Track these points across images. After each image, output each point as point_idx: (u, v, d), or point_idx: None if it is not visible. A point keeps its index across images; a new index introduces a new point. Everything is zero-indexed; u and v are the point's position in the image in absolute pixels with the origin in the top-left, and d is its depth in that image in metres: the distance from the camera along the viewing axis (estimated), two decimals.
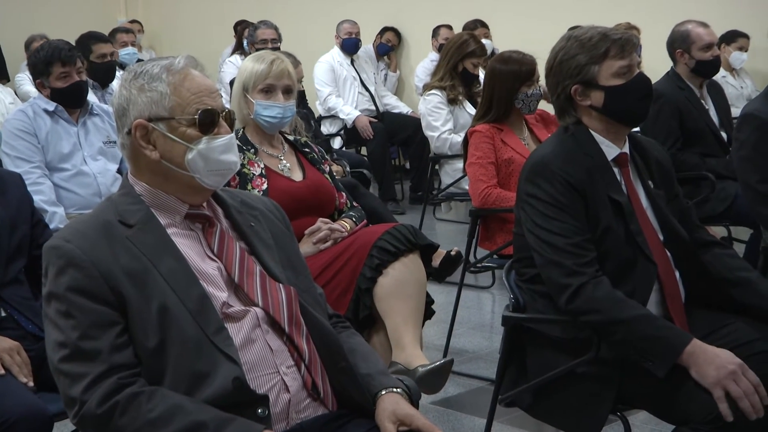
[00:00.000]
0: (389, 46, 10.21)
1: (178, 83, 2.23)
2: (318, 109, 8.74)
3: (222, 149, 2.25)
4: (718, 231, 6.10)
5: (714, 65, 5.43)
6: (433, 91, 6.33)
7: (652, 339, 2.61)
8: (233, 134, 2.30)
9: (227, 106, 2.37)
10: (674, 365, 2.57)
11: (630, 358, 2.65)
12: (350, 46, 8.87)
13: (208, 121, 2.23)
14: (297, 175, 3.79)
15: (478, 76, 6.25)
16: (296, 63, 4.92)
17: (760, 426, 2.50)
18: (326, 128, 8.53)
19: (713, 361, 2.53)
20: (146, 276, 2.13)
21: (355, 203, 3.95)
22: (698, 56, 5.34)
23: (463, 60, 6.19)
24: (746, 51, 8.27)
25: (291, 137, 3.97)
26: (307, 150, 3.93)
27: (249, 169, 3.68)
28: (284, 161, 3.80)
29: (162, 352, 2.09)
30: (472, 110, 5.98)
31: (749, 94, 8.02)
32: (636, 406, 2.82)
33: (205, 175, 2.24)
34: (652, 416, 2.80)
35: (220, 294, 2.19)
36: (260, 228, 2.37)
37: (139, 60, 7.57)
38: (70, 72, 4.53)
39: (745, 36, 8.24)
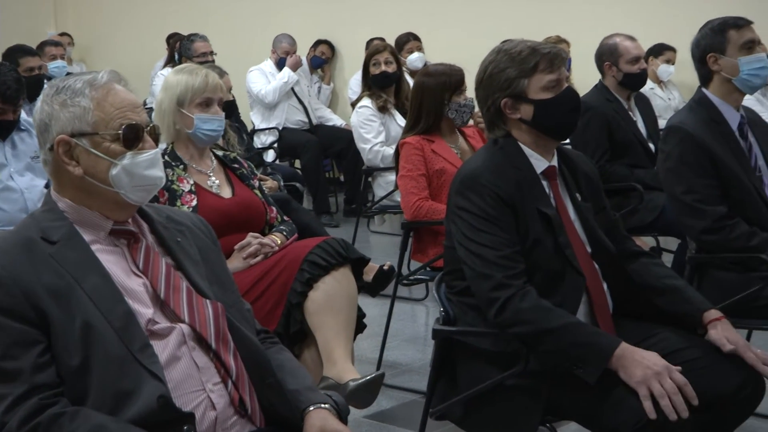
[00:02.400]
0: (323, 58, 10.21)
1: (102, 98, 2.21)
2: (253, 120, 8.72)
3: (147, 164, 2.22)
4: (646, 241, 6.19)
5: (641, 78, 5.51)
6: (364, 104, 6.35)
7: (581, 345, 2.62)
8: (158, 149, 2.28)
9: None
10: (603, 375, 2.58)
11: (560, 368, 2.66)
12: (284, 65, 8.85)
13: (133, 136, 2.20)
14: (226, 192, 3.77)
15: (385, 73, 6.32)
16: (222, 73, 4.89)
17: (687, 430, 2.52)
18: (259, 141, 8.50)
19: (641, 362, 2.55)
20: (69, 293, 2.09)
21: (286, 217, 3.93)
22: (626, 69, 5.41)
23: (368, 63, 6.29)
24: (673, 64, 8.41)
25: (220, 153, 3.94)
26: (236, 166, 3.91)
27: (178, 186, 3.64)
28: (213, 178, 3.77)
29: (85, 370, 2.05)
30: (403, 122, 6.00)
31: (677, 105, 8.14)
32: (565, 418, 2.83)
33: (130, 191, 2.21)
34: (582, 427, 2.81)
35: (145, 311, 2.16)
36: (187, 243, 2.34)
37: (68, 73, 7.47)
38: (7, 110, 4.45)
39: (672, 49, 8.38)
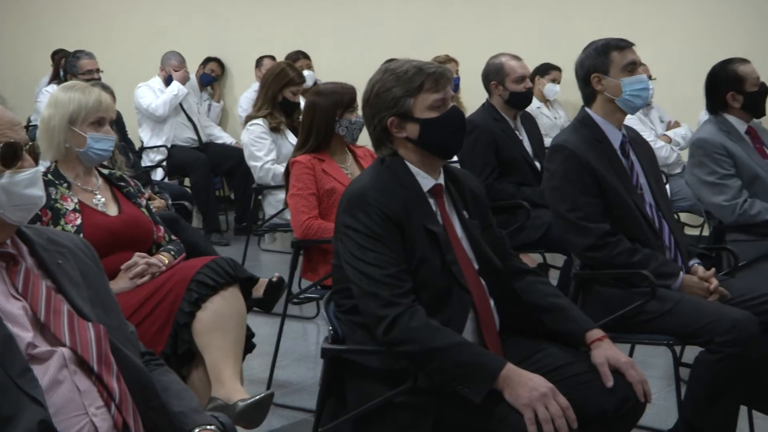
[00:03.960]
0: (212, 76, 10.14)
1: None
2: (141, 137, 8.61)
3: (26, 183, 2.17)
4: (534, 258, 6.30)
5: (527, 97, 5.60)
6: (255, 121, 6.28)
7: (467, 365, 2.64)
8: (38, 168, 2.23)
9: None
10: (489, 392, 2.61)
11: (447, 387, 2.67)
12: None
13: (11, 155, 2.15)
14: (112, 210, 3.70)
15: (298, 103, 6.25)
16: (108, 91, 4.80)
17: None
18: (148, 159, 8.39)
19: (526, 384, 2.59)
20: None
21: (174, 237, 3.88)
22: (512, 88, 5.50)
23: (282, 89, 6.19)
24: (559, 83, 8.57)
25: (105, 171, 3.88)
26: (122, 184, 3.85)
27: (62, 204, 3.57)
28: (99, 196, 3.71)
29: None
30: (295, 140, 5.98)
31: (563, 124, 8.30)
32: None
33: (9, 210, 2.15)
34: None
35: (24, 334, 2.11)
36: (68, 265, 2.29)
37: None
38: None
39: (558, 69, 8.55)
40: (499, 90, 5.53)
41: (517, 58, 5.60)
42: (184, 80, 8.71)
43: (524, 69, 5.59)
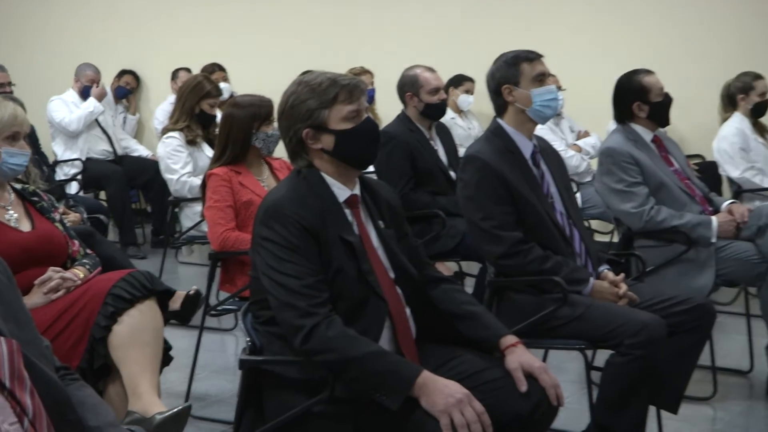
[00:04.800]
0: (127, 89, 10.02)
1: None
2: (55, 151, 8.47)
3: None
4: (449, 266, 6.34)
5: (441, 108, 5.65)
6: (171, 134, 6.22)
7: (384, 374, 2.66)
8: None
9: None
10: (406, 400, 2.62)
11: (364, 395, 2.68)
12: (88, 94, 8.61)
13: None
14: (25, 226, 3.65)
15: (215, 116, 6.21)
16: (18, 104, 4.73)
17: None
18: (62, 173, 8.26)
19: (442, 391, 2.61)
20: None
21: (89, 251, 3.83)
22: (426, 99, 5.54)
23: (199, 102, 6.15)
24: (472, 94, 8.64)
25: (18, 186, 3.82)
26: (35, 199, 3.79)
27: None
28: (11, 211, 3.65)
29: None
30: (212, 153, 5.94)
31: (477, 134, 8.35)
32: None
33: None
34: None
35: None
36: None
37: None
38: None
39: (471, 80, 8.62)
40: (414, 101, 5.57)
41: (431, 70, 5.65)
42: (101, 97, 8.58)
43: (438, 81, 5.63)
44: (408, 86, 5.59)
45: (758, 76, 6.63)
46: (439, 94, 5.59)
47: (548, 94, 3.85)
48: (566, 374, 4.82)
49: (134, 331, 3.40)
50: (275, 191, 2.98)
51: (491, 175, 3.74)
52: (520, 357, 2.84)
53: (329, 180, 2.93)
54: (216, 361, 5.45)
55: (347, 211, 2.93)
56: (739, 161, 6.52)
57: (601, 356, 3.86)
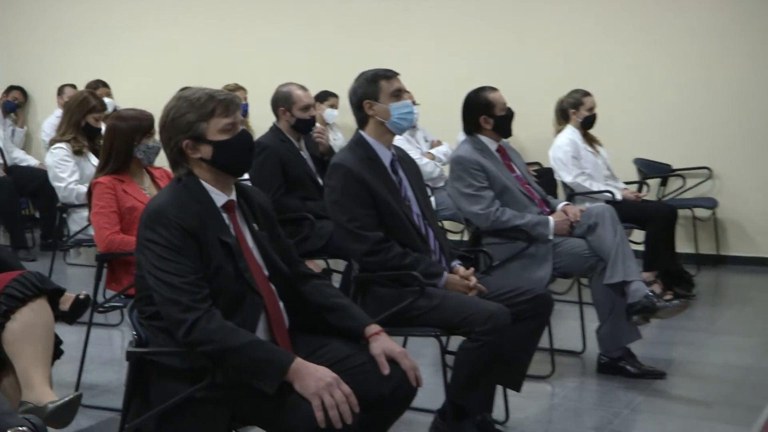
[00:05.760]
0: (15, 103, 9.75)
1: None
2: None
3: None
4: (318, 264, 6.33)
5: (310, 123, 5.66)
6: (59, 145, 6.08)
7: (261, 361, 2.65)
8: None
9: None
10: (281, 384, 2.63)
11: (243, 381, 2.67)
12: None
13: None
14: None
15: (100, 129, 6.08)
16: None
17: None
18: None
19: (313, 375, 2.62)
20: None
21: None
22: (298, 115, 5.55)
23: (85, 116, 6.02)
24: (337, 108, 8.69)
25: None
26: None
27: None
28: None
29: None
30: (97, 162, 5.82)
31: (341, 145, 8.40)
32: (249, 423, 2.85)
33: None
34: (264, 431, 2.84)
35: None
36: None
37: None
38: None
39: (335, 95, 8.66)
40: (286, 116, 5.57)
41: (303, 88, 5.66)
42: None
43: (309, 99, 5.65)
44: (281, 102, 5.58)
45: (587, 93, 6.86)
46: (310, 111, 5.60)
47: (404, 108, 3.91)
48: (424, 358, 4.87)
49: (27, 328, 3.32)
50: (158, 197, 2.95)
51: (355, 181, 3.77)
52: (383, 344, 2.87)
53: (207, 186, 2.91)
54: (104, 354, 5.34)
55: (225, 215, 2.92)
56: (571, 168, 6.73)
57: (455, 342, 3.93)
